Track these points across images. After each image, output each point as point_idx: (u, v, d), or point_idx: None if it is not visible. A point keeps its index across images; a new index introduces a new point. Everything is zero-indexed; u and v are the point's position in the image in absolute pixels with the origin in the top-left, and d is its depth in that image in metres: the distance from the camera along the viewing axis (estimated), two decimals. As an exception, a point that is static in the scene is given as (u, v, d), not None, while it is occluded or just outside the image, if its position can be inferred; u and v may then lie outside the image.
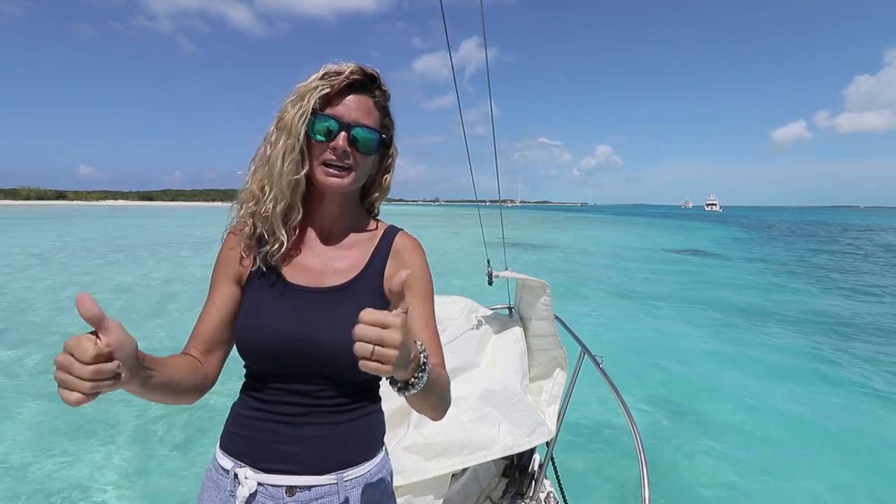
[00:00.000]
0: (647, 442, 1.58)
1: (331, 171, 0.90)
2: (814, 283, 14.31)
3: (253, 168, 0.93)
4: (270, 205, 0.89)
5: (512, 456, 2.11)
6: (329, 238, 0.99)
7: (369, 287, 0.94)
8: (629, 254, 22.29)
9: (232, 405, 0.99)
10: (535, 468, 2.16)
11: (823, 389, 6.07)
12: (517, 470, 2.14)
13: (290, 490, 0.89)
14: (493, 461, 2.07)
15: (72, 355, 0.56)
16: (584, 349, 2.04)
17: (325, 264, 0.96)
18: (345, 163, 0.90)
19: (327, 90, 0.88)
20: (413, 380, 0.72)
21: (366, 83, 0.92)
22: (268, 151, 0.90)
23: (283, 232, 0.91)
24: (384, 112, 0.96)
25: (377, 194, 1.04)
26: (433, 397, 0.83)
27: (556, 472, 2.21)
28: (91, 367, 0.56)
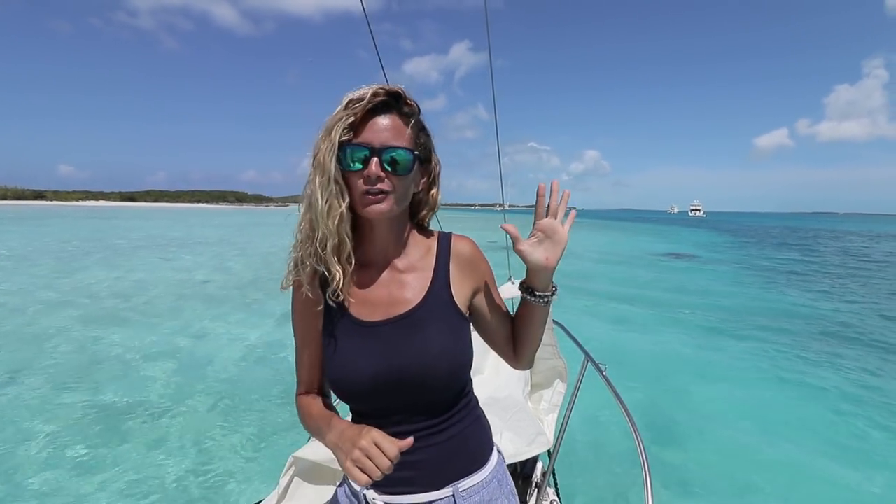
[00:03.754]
0: (651, 450, 1.58)
1: (369, 198, 0.88)
2: (790, 286, 14.60)
3: (303, 210, 0.92)
4: (320, 244, 0.89)
5: (515, 464, 2.11)
6: (389, 265, 0.98)
7: (440, 304, 0.96)
8: (617, 258, 22.57)
9: None
10: (539, 476, 2.16)
11: (819, 392, 6.18)
12: (520, 478, 2.14)
13: None
14: (496, 469, 2.06)
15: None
16: (588, 357, 2.05)
17: (392, 295, 0.96)
18: (380, 188, 0.88)
19: (352, 119, 0.86)
20: (550, 292, 0.97)
21: (390, 102, 0.89)
22: (309, 191, 0.90)
23: (339, 267, 0.91)
24: (417, 127, 0.93)
25: (425, 211, 1.03)
26: (542, 325, 1.02)
27: (555, 481, 2.21)
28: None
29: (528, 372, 2.25)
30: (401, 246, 0.99)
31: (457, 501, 0.96)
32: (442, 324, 0.94)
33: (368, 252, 0.97)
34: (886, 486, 4.13)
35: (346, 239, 0.90)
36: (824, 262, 22.30)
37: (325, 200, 0.86)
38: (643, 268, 19.06)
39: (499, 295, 1.05)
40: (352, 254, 0.92)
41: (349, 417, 1.00)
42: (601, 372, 1.92)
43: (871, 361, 7.43)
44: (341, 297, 0.93)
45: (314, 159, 0.88)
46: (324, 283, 0.94)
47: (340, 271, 0.91)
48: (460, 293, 0.98)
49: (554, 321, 2.25)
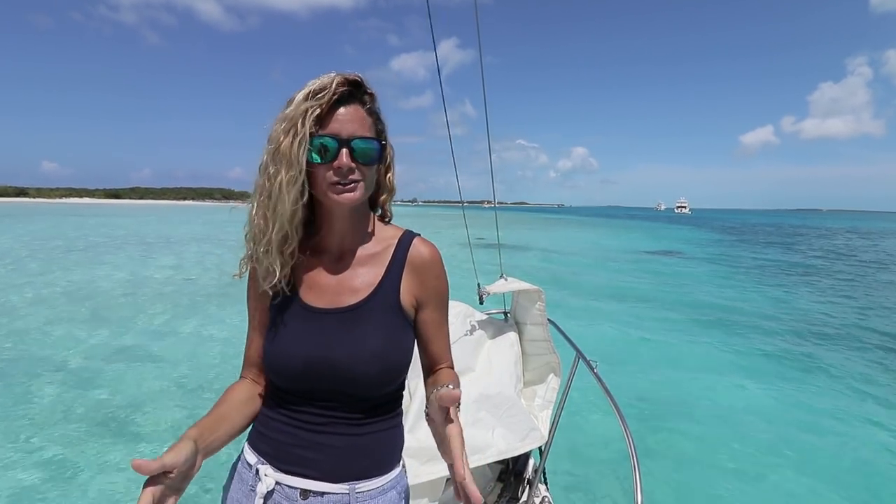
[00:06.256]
0: (640, 445, 1.60)
1: (340, 188, 0.88)
2: (772, 283, 14.86)
3: (255, 203, 0.90)
4: (273, 236, 0.88)
5: (507, 460, 2.12)
6: (343, 255, 0.97)
7: (385, 303, 0.94)
8: (604, 254, 22.77)
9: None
10: (530, 473, 2.17)
11: (803, 387, 6.30)
12: (512, 475, 2.15)
13: (304, 493, 0.92)
14: (489, 466, 2.08)
15: None
16: (579, 353, 2.06)
17: (341, 283, 0.95)
18: (351, 178, 0.88)
19: (318, 110, 0.84)
20: None
21: (353, 91, 0.89)
22: (267, 185, 0.87)
23: (279, 262, 0.91)
24: (376, 116, 0.93)
25: (384, 196, 1.02)
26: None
27: (544, 477, 2.22)
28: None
29: (520, 368, 2.26)
30: (358, 235, 0.98)
31: (351, 501, 0.92)
32: (382, 324, 0.93)
33: (325, 239, 0.97)
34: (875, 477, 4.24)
35: (294, 234, 0.90)
36: (806, 259, 22.68)
37: (290, 196, 0.85)
38: (629, 264, 19.26)
39: (441, 320, 1.01)
40: (296, 249, 0.92)
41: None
42: (592, 368, 1.93)
43: (854, 355, 7.59)
44: (290, 284, 0.94)
45: (276, 152, 0.85)
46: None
47: (279, 266, 0.91)
48: (407, 297, 0.96)
49: (547, 318, 2.26)
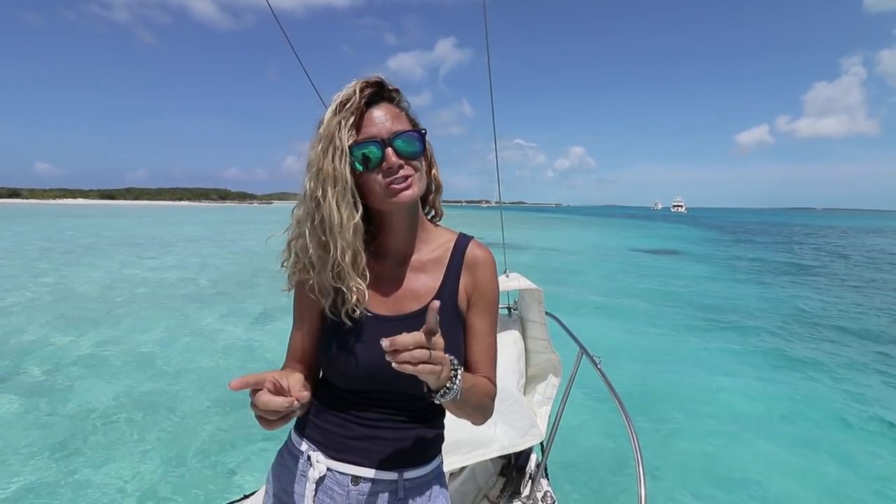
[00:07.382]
0: (643, 441, 1.60)
1: (396, 187, 0.86)
2: (767, 281, 14.93)
3: (308, 232, 0.88)
4: (340, 258, 0.86)
5: (509, 455, 2.13)
6: (403, 259, 0.97)
7: (447, 308, 0.93)
8: (601, 253, 22.84)
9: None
10: (533, 468, 2.18)
11: (802, 383, 6.33)
12: (514, 469, 2.16)
13: (356, 479, 0.95)
14: (491, 460, 2.09)
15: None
16: (583, 349, 2.06)
17: (403, 290, 0.96)
18: (403, 174, 0.87)
19: (351, 119, 0.84)
20: (445, 389, 0.78)
21: (379, 91, 0.88)
22: (316, 209, 0.86)
23: (359, 281, 0.90)
24: (406, 110, 0.93)
25: (433, 194, 1.01)
26: (468, 406, 0.88)
27: (547, 472, 2.23)
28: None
29: (523, 364, 2.27)
30: (415, 239, 0.98)
31: (399, 487, 0.96)
32: (445, 329, 0.90)
33: (386, 243, 0.97)
34: (869, 473, 4.27)
35: (361, 251, 0.89)
36: (800, 258, 22.80)
37: (343, 212, 0.84)
38: (626, 262, 19.31)
39: (485, 330, 0.98)
40: (366, 268, 0.91)
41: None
42: (596, 364, 1.93)
43: (848, 352, 7.64)
44: (357, 313, 0.91)
45: (319, 173, 0.84)
46: (338, 293, 0.92)
47: (362, 285, 0.90)
48: (462, 297, 0.97)
49: (547, 313, 2.27)
